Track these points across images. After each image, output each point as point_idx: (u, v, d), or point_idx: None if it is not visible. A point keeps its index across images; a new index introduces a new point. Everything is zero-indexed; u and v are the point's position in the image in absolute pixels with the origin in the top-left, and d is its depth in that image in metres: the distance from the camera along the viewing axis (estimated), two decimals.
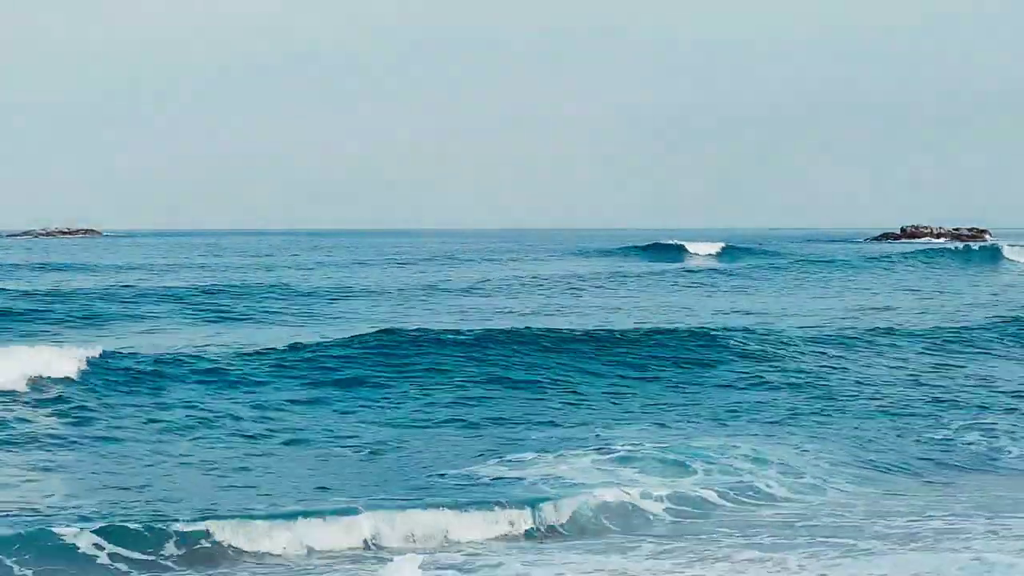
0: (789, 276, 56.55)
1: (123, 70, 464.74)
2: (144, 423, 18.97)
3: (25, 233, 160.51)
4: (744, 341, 26.86)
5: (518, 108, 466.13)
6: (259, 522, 12.77)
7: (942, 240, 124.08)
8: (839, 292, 47.48)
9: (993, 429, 19.48)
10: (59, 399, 20.22)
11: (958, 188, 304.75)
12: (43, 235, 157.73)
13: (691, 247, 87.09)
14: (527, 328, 27.68)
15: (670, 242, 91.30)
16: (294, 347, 24.94)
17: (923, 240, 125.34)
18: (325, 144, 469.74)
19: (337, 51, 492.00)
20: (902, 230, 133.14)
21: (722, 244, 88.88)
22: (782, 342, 27.26)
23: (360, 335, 26.33)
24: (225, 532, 12.57)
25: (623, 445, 16.78)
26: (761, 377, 23.89)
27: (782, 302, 42.06)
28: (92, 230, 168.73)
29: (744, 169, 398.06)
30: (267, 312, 37.17)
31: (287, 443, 17.93)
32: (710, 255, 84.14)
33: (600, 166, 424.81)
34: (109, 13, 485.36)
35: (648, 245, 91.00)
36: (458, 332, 26.78)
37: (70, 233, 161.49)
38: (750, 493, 15.14)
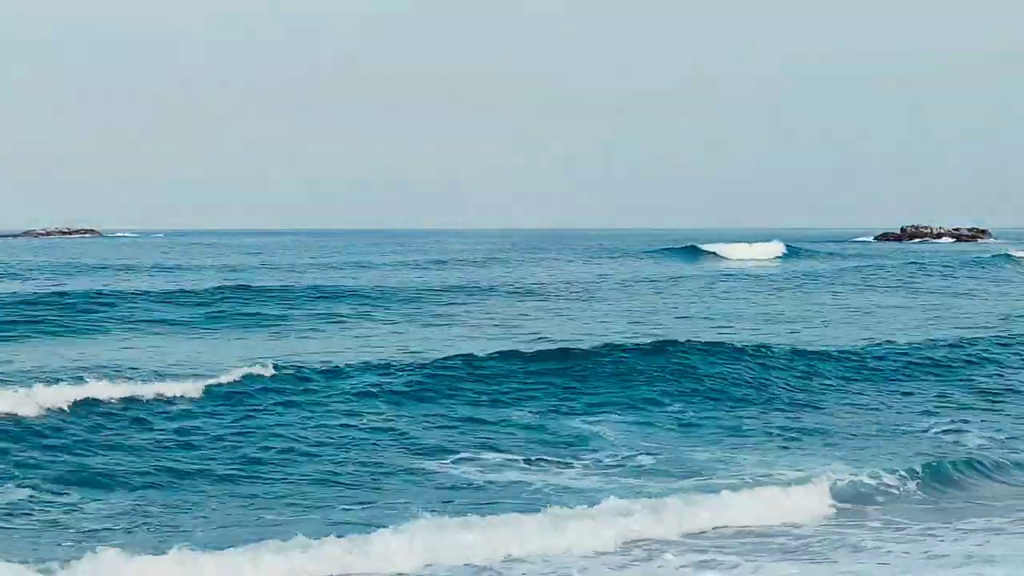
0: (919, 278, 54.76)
1: (123, 69, 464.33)
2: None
3: (25, 233, 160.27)
4: None
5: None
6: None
7: (942, 240, 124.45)
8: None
9: None
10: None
11: (957, 188, 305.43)
12: (43, 235, 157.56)
13: (741, 250, 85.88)
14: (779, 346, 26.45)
15: (707, 247, 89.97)
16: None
17: (922, 240, 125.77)
18: (325, 144, 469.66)
19: (338, 48, 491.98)
20: (902, 230, 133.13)
21: (782, 246, 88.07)
22: None
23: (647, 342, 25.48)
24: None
25: None
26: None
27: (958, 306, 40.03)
28: (92, 230, 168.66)
29: (737, 168, 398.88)
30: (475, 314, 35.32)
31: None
32: (773, 257, 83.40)
33: (600, 166, 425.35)
34: (109, 12, 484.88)
35: (688, 247, 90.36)
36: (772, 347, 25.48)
37: (70, 233, 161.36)
38: None
